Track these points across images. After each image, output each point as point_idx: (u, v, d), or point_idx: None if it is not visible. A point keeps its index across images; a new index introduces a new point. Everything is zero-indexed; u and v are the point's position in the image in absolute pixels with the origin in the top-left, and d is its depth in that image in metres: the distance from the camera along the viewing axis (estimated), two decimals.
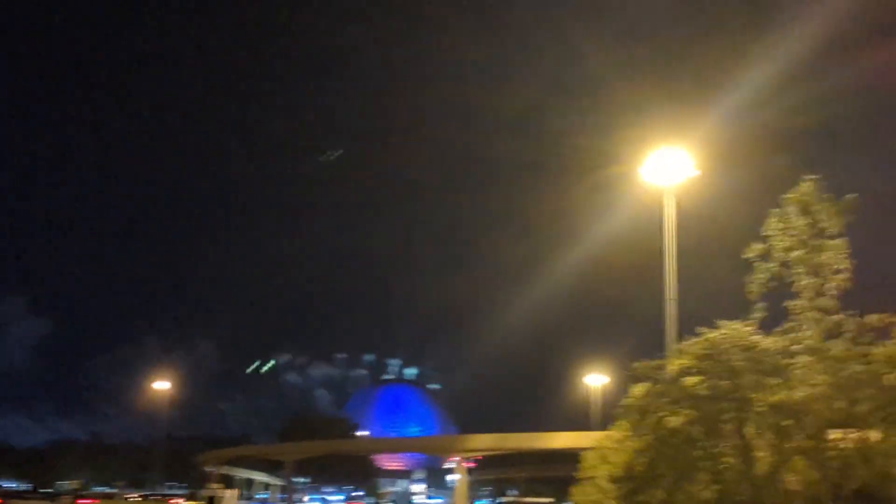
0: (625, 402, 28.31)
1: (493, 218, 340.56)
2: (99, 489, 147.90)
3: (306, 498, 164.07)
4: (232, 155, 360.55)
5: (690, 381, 26.21)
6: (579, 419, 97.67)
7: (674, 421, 26.11)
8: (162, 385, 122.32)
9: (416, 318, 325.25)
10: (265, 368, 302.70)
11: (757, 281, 27.24)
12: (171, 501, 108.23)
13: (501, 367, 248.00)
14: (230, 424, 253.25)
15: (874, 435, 24.80)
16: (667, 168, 38.34)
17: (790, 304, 26.76)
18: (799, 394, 24.85)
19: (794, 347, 26.05)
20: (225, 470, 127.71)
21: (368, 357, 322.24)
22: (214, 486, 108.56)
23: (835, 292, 26.17)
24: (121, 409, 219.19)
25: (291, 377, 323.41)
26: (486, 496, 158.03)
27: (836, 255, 26.34)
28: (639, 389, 28.03)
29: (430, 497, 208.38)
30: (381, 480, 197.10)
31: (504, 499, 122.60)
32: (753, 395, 25.43)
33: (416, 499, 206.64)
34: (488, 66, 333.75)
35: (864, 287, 27.27)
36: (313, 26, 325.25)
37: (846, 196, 26.73)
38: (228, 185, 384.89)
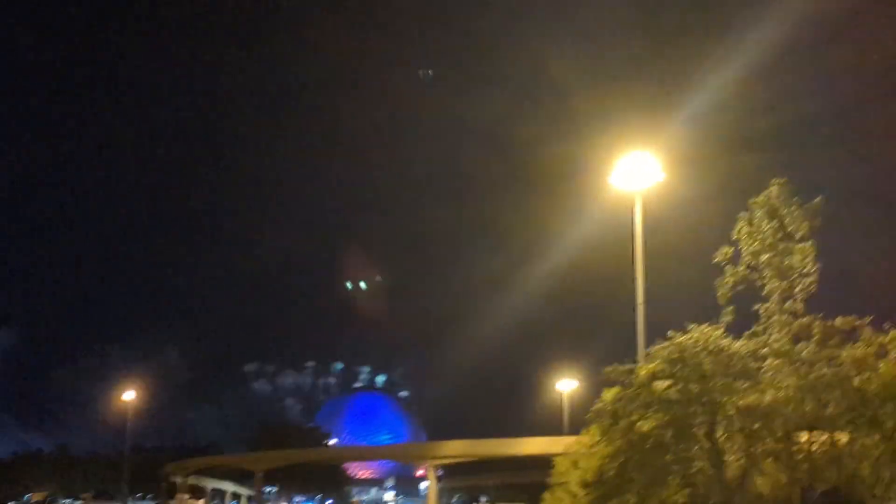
0: (595, 407, 28.27)
1: (464, 227, 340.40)
2: (65, 502, 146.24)
3: None
4: (198, 164, 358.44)
5: (660, 385, 26.24)
6: (552, 425, 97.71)
7: (645, 425, 26.12)
8: (128, 395, 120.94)
9: (386, 326, 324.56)
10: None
11: (726, 284, 27.41)
12: None
13: (473, 374, 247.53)
14: (198, 434, 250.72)
15: (843, 437, 24.98)
16: (635, 173, 38.42)
17: (759, 307, 26.92)
18: (768, 397, 24.97)
19: (763, 351, 26.19)
20: (193, 480, 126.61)
21: (338, 365, 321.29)
22: (183, 496, 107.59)
23: (803, 295, 26.35)
24: (87, 419, 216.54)
25: (260, 386, 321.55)
26: (457, 503, 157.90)
27: (804, 259, 26.51)
28: (609, 394, 28.02)
29: None
30: (353, 489, 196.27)
31: None
32: (723, 399, 25.53)
33: None
34: (456, 77, 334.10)
35: (831, 288, 27.49)
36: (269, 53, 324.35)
37: (814, 200, 26.96)
38: (195, 195, 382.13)
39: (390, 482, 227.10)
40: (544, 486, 48.03)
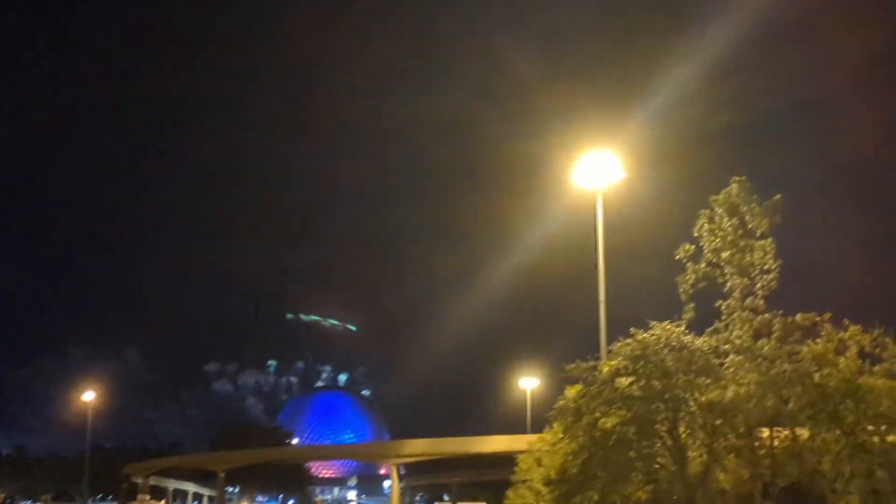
0: (558, 404, 28.25)
1: (425, 226, 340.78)
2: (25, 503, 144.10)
3: None
4: (161, 166, 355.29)
5: (623, 382, 26.29)
6: (515, 423, 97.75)
7: (607, 422, 26.14)
8: (88, 395, 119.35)
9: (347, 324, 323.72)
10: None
11: (687, 281, 27.49)
12: None
13: (436, 372, 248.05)
14: (159, 434, 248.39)
15: (803, 433, 25.17)
16: (596, 171, 38.46)
17: (720, 304, 27.05)
18: (730, 393, 25.10)
19: (725, 347, 26.36)
20: (154, 481, 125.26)
21: (299, 364, 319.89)
22: (143, 497, 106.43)
23: (764, 292, 26.50)
24: (46, 420, 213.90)
25: (221, 385, 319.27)
26: (420, 502, 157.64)
27: (765, 255, 26.67)
28: (572, 391, 28.03)
29: (363, 503, 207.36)
30: (315, 488, 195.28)
31: None
32: (685, 395, 25.63)
33: None
34: (416, 76, 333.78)
35: (792, 285, 27.69)
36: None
37: (773, 198, 27.11)
38: (156, 196, 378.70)
39: (353, 481, 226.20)
40: (507, 484, 48.06)
